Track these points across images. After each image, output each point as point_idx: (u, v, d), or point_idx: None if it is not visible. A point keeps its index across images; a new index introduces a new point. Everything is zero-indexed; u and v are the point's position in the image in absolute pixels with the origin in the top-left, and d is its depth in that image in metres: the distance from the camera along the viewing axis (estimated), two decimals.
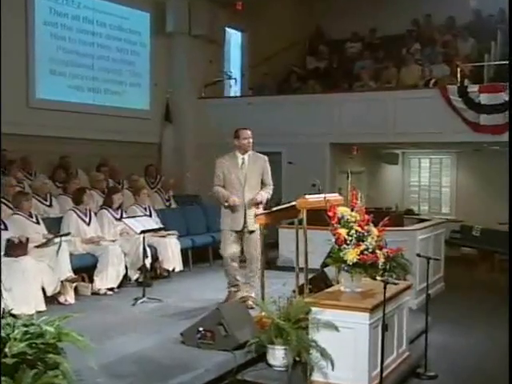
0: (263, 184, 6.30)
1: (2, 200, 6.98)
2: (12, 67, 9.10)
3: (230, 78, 13.04)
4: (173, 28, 11.70)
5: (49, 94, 9.77)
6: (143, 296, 6.68)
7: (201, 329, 4.93)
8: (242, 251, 6.32)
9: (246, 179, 6.17)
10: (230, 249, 6.23)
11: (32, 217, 6.89)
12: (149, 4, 11.61)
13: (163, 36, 11.79)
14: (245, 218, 6.13)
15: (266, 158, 6.34)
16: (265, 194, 6.22)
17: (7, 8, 8.95)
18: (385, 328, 4.43)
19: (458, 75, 10.50)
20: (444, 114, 10.23)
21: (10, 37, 9.04)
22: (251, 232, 6.16)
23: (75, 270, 6.74)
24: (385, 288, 4.33)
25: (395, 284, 4.54)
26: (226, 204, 6.14)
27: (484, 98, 9.84)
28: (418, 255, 5.75)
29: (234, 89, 13.37)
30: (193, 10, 11.76)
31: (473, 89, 10.08)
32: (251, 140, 6.23)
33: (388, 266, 5.33)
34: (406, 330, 5.15)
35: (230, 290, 6.36)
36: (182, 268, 8.13)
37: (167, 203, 9.79)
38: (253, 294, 6.17)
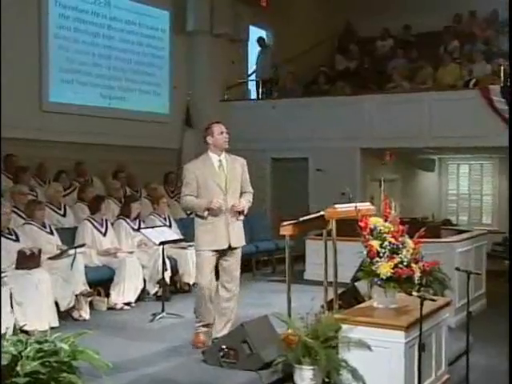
0: (242, 192, 5.62)
1: (14, 209, 7.06)
2: (24, 69, 9.24)
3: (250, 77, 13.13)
4: (194, 27, 11.78)
5: (63, 98, 9.87)
6: (162, 311, 6.70)
7: (223, 347, 4.93)
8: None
9: (227, 184, 5.45)
10: (210, 274, 5.45)
11: (45, 227, 6.96)
12: (169, 2, 11.71)
13: (184, 35, 11.88)
14: (228, 231, 5.46)
15: (244, 161, 5.67)
16: (246, 203, 5.54)
17: (20, 10, 9.12)
18: (422, 348, 4.37)
19: (501, 74, 10.38)
20: (486, 117, 10.13)
21: (22, 38, 9.19)
22: (234, 249, 5.52)
23: (90, 284, 6.79)
24: (421, 304, 4.28)
25: (433, 300, 4.49)
26: (206, 213, 5.38)
27: None
28: (458, 269, 5.68)
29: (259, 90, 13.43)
30: (215, 7, 11.83)
31: None
32: (227, 135, 5.53)
33: (424, 281, 5.27)
34: (445, 351, 5.08)
35: (200, 330, 5.54)
36: None
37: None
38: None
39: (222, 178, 5.46)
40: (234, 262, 5.56)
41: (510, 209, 5.86)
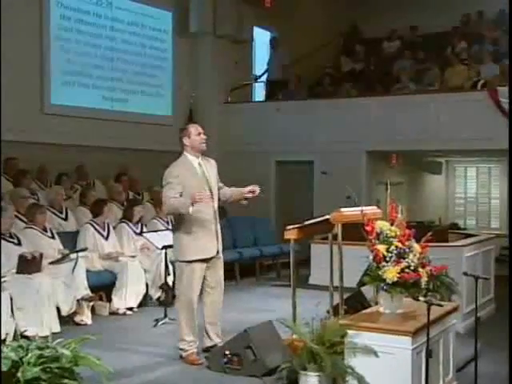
0: (219, 189, 5.61)
1: (15, 213, 7.07)
2: (26, 71, 9.27)
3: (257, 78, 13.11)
4: (197, 28, 11.80)
5: (64, 100, 9.90)
6: (165, 316, 6.71)
7: (227, 352, 4.93)
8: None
9: (211, 188, 5.39)
10: (197, 287, 5.28)
11: (46, 231, 6.98)
12: (171, 2, 11.74)
13: (187, 36, 11.91)
14: (217, 237, 5.39)
15: (215, 162, 5.62)
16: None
17: (21, 10, 9.14)
18: (429, 354, 4.36)
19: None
20: (494, 119, 10.10)
21: (23, 39, 9.22)
22: (217, 253, 5.42)
23: (92, 288, 6.81)
24: (428, 309, 4.27)
25: (440, 305, 4.48)
26: (192, 208, 5.08)
27: None
28: (465, 274, 5.66)
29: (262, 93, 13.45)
30: (218, 8, 11.86)
31: None
32: (205, 137, 5.42)
33: (432, 286, 5.26)
34: (452, 357, 5.06)
35: (191, 350, 5.30)
36: None
37: None
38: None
39: (204, 180, 5.38)
40: (220, 268, 5.46)
41: (509, 212, 5.85)
